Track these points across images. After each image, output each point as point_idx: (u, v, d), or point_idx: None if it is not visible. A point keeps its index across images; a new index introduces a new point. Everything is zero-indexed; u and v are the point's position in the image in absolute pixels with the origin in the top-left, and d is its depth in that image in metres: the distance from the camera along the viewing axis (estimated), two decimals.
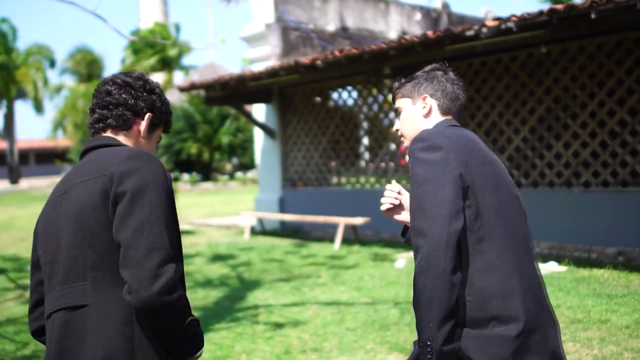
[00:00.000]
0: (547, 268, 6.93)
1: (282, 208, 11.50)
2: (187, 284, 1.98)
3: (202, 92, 12.74)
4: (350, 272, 7.50)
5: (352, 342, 4.80)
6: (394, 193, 2.09)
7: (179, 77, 33.48)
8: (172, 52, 32.13)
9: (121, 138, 1.94)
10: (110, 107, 1.92)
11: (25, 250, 9.94)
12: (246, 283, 7.25)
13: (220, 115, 26.52)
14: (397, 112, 2.12)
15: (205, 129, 25.97)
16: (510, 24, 6.69)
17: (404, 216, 2.08)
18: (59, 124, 37.29)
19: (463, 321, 1.78)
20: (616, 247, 7.12)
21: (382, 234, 9.76)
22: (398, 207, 2.10)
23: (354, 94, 10.80)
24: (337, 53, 8.68)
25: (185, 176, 25.74)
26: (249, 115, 12.10)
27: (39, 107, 37.21)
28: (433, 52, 7.57)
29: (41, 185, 31.20)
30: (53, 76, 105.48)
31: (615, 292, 5.76)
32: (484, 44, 7.29)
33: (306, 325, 5.33)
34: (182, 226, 12.11)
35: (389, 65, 8.42)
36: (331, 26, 13.54)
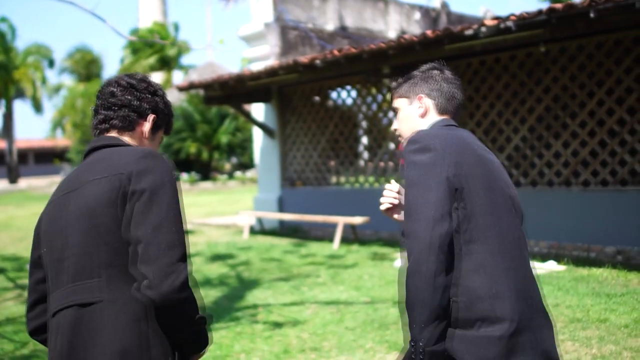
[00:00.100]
0: (546, 267, 6.94)
1: (281, 207, 11.50)
2: None
3: (201, 92, 12.75)
4: (350, 272, 7.50)
5: (351, 342, 4.80)
6: (393, 192, 2.09)
7: (178, 77, 33.51)
8: (171, 51, 32.18)
9: (126, 139, 1.95)
10: (115, 108, 1.93)
11: (24, 249, 9.92)
12: (245, 282, 7.25)
13: (219, 114, 26.50)
14: (395, 112, 2.12)
15: (204, 129, 25.95)
16: (509, 23, 6.69)
17: (403, 216, 2.08)
18: (57, 124, 37.30)
19: (451, 322, 1.78)
20: (615, 246, 7.13)
21: (381, 234, 9.76)
22: (397, 207, 2.10)
23: (353, 93, 10.80)
24: (336, 52, 8.68)
25: (184, 175, 25.72)
26: (248, 115, 12.10)
27: (37, 107, 37.21)
28: (432, 52, 7.57)
29: (40, 185, 31.12)
30: (52, 76, 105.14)
31: (614, 291, 5.77)
32: (482, 43, 7.30)
33: (305, 324, 5.33)
34: None
35: (388, 65, 8.42)
36: (330, 25, 13.53)
